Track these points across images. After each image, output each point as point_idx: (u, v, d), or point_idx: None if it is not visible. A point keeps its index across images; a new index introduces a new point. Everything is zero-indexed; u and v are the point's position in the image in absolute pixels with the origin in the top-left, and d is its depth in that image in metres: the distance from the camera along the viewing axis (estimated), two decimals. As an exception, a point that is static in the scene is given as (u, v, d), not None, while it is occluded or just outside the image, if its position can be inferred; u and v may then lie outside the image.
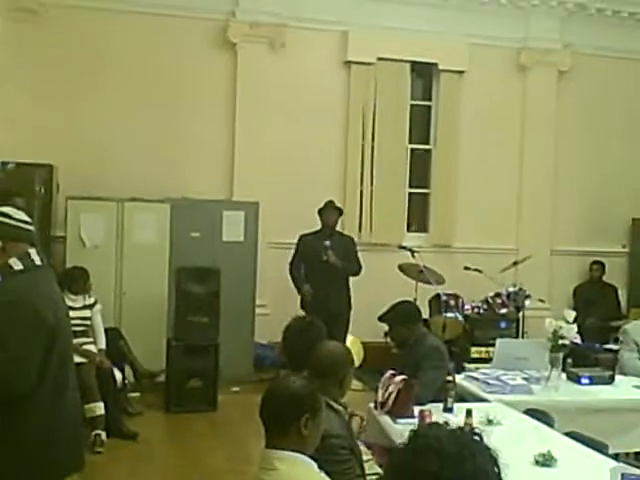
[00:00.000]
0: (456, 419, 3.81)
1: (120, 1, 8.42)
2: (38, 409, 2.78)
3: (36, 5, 8.20)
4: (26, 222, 2.93)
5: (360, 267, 7.86)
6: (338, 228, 8.08)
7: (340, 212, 7.96)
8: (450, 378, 4.48)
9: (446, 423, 1.90)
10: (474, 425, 3.57)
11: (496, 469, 1.77)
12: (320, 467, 2.62)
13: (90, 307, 6.59)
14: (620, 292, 9.86)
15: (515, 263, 8.75)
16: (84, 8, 8.34)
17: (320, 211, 7.79)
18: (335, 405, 3.25)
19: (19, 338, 2.70)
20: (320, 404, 2.64)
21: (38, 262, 2.90)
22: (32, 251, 2.90)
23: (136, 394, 7.20)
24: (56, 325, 2.85)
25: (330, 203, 7.87)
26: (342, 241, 7.91)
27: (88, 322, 6.52)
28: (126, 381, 6.95)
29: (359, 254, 7.96)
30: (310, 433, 2.56)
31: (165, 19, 8.58)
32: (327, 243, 7.59)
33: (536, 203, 9.75)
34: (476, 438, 1.83)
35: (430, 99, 9.75)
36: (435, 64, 9.51)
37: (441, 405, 4.33)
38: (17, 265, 2.83)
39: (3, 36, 7.02)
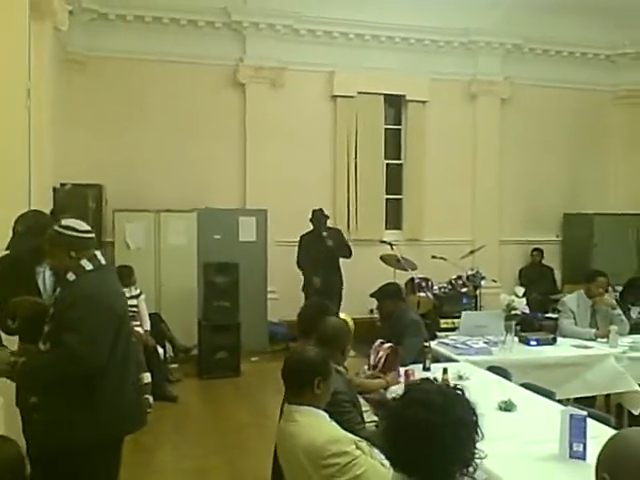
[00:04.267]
0: (433, 376, 3.79)
1: (150, 52, 8.34)
2: (110, 378, 2.76)
3: (82, 57, 8.13)
4: (88, 231, 2.88)
5: (350, 250, 7.92)
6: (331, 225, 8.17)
7: (326, 216, 7.97)
8: (427, 344, 4.46)
9: (435, 379, 1.89)
10: (449, 381, 3.56)
11: (474, 418, 1.75)
12: (330, 417, 2.59)
13: (136, 297, 6.52)
14: (556, 272, 9.85)
15: (472, 252, 8.74)
16: (121, 59, 8.28)
17: (311, 219, 7.83)
18: (339, 368, 3.20)
19: (92, 323, 2.68)
20: (330, 369, 2.59)
21: (103, 262, 2.88)
22: (97, 253, 2.87)
23: (175, 365, 7.15)
24: (122, 313, 2.85)
25: (318, 210, 7.89)
26: (334, 233, 8.01)
27: (135, 309, 6.41)
28: (167, 355, 6.91)
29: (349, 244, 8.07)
30: (322, 392, 2.53)
31: (187, 65, 8.51)
32: (324, 233, 7.73)
33: (487, 204, 9.73)
34: (458, 392, 1.81)
35: (400, 124, 9.69)
36: (403, 96, 9.47)
37: (421, 365, 4.31)
38: (88, 266, 2.80)
39: (57, 82, 6.91)
